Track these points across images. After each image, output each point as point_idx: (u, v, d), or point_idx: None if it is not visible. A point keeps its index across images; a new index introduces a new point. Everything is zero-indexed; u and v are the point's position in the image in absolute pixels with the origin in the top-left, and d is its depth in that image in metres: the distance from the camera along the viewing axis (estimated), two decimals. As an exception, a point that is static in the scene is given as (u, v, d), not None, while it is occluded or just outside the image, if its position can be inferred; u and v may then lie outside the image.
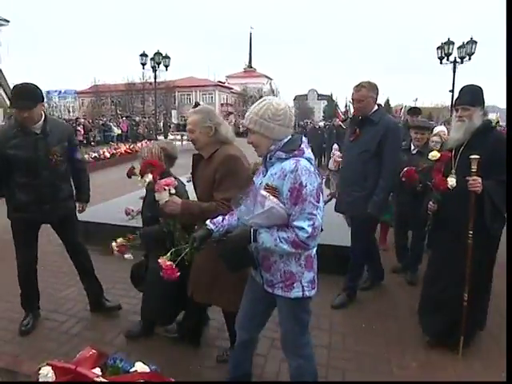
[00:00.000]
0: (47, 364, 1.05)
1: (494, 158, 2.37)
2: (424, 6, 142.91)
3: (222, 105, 48.63)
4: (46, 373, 1.08)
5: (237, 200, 1.72)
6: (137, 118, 28.40)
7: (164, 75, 23.21)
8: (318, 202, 1.61)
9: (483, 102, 2.53)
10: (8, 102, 20.76)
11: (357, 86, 2.99)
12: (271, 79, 57.48)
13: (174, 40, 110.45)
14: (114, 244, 2.45)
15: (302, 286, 1.73)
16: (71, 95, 47.41)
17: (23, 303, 2.83)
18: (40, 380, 1.10)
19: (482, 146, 2.40)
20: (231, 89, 51.62)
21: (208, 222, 1.83)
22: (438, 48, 15.31)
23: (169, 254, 1.80)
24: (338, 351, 2.60)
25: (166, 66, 18.21)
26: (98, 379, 0.94)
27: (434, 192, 2.59)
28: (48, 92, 47.47)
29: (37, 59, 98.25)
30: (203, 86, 47.69)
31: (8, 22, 21.86)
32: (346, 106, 19.78)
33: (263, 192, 1.60)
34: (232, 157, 2.08)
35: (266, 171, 1.73)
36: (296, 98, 68.63)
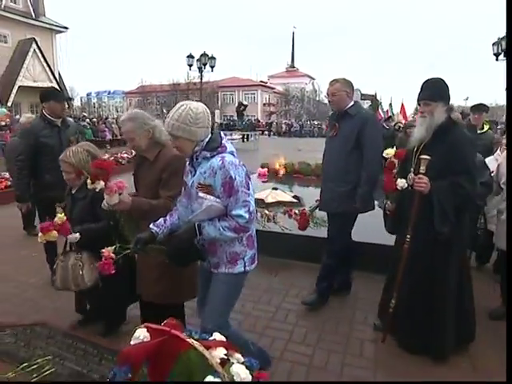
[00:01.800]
0: (144, 326, 1.22)
1: (450, 157, 2.27)
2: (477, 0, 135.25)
3: (264, 105, 48.87)
4: (139, 335, 1.24)
5: (176, 203, 1.99)
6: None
7: (208, 75, 23.79)
8: (249, 189, 1.79)
9: (447, 97, 2.39)
10: (65, 103, 22.32)
11: (331, 81, 3.05)
12: (314, 79, 56.89)
13: (218, 40, 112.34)
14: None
15: (245, 263, 1.93)
16: (119, 95, 49.64)
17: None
18: (132, 341, 1.26)
19: (443, 144, 2.31)
20: (273, 89, 51.68)
21: (151, 225, 1.97)
22: (493, 44, 14.58)
23: (113, 247, 1.96)
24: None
25: (212, 67, 18.64)
26: (189, 340, 1.08)
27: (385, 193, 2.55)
28: (98, 93, 50.11)
29: (89, 62, 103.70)
30: (246, 86, 48.11)
31: (67, 28, 23.35)
32: (390, 104, 19.05)
33: (200, 194, 1.77)
34: (178, 157, 2.18)
35: (195, 171, 1.85)
36: (339, 98, 66.94)
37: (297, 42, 74.20)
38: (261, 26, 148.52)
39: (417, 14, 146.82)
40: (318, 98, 52.01)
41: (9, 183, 7.16)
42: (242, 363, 1.23)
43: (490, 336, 2.72)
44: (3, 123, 15.86)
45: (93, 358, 1.66)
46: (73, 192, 2.60)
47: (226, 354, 1.20)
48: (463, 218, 2.42)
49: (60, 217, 2.31)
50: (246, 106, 24.47)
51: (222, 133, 1.89)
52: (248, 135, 23.13)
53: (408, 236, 2.37)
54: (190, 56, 17.97)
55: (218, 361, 1.12)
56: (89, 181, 2.03)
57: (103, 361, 1.64)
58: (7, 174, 7.53)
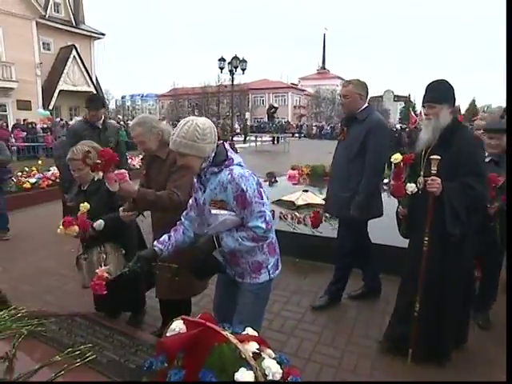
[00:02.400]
0: (181, 318, 1.27)
1: (459, 158, 2.23)
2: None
3: (294, 107, 48.68)
4: (175, 327, 1.30)
5: (182, 217, 1.97)
6: (212, 120, 29.82)
7: (239, 78, 24.07)
8: (262, 199, 1.75)
9: (452, 99, 2.34)
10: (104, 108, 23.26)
11: (344, 82, 2.98)
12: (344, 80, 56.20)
13: (249, 43, 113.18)
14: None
15: (268, 271, 1.90)
16: (152, 98, 50.92)
17: None
18: (168, 333, 1.32)
19: (450, 147, 2.27)
20: (304, 91, 51.43)
21: (155, 242, 1.92)
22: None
23: (107, 267, 2.04)
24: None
25: (243, 70, 18.85)
26: (224, 333, 1.12)
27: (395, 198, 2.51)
28: (132, 96, 51.69)
29: (124, 66, 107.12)
30: (276, 89, 48.13)
31: (104, 35, 24.29)
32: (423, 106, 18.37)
33: (213, 211, 1.74)
34: None
35: (205, 188, 1.80)
36: (371, 100, 65.68)
37: (328, 43, 73.46)
38: (292, 29, 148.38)
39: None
40: (349, 100, 51.17)
41: (51, 182, 7.55)
42: (274, 358, 1.26)
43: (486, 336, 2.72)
44: (45, 125, 16.72)
45: (129, 348, 1.72)
46: (84, 188, 2.65)
47: (258, 349, 1.23)
48: (473, 219, 2.36)
49: (84, 205, 2.38)
50: (276, 109, 24.56)
51: (226, 144, 1.84)
52: (278, 137, 23.19)
53: (426, 238, 2.32)
54: (222, 59, 18.25)
55: (251, 354, 1.16)
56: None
57: (139, 352, 1.70)
58: (49, 174, 7.94)
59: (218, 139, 1.81)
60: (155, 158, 2.46)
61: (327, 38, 71.35)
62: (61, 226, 2.39)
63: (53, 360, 1.49)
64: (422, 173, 2.36)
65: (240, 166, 1.78)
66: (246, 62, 18.73)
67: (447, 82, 2.37)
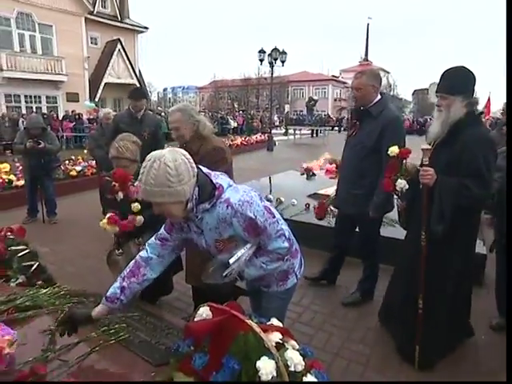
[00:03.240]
0: (207, 305, 1.32)
1: (461, 157, 2.07)
2: None
3: (334, 100, 47.78)
4: (202, 312, 1.34)
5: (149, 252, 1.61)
6: (252, 112, 29.90)
7: (279, 70, 23.90)
8: (274, 216, 1.53)
9: (468, 90, 2.13)
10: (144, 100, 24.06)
11: (357, 74, 2.83)
12: (388, 72, 54.13)
13: (290, 35, 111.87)
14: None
15: (295, 273, 1.78)
16: (193, 90, 51.93)
17: None
18: (196, 318, 1.36)
19: (455, 143, 2.11)
20: (345, 83, 50.14)
21: (104, 300, 1.55)
22: None
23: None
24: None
25: (283, 62, 18.67)
26: (248, 321, 1.14)
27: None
28: (173, 88, 52.96)
29: (166, 59, 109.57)
30: (316, 81, 47.42)
31: (147, 28, 24.91)
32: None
33: (231, 260, 1.47)
34: (216, 148, 2.36)
35: (200, 229, 1.52)
36: (415, 93, 63.34)
37: (371, 33, 70.98)
38: (334, 19, 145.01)
39: None
40: (392, 93, 49.52)
41: (94, 170, 7.92)
42: (297, 350, 1.27)
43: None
44: (91, 117, 17.53)
45: (160, 331, 1.79)
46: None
47: (281, 339, 1.25)
48: (470, 220, 2.25)
49: (135, 206, 2.41)
50: (316, 101, 24.22)
51: (203, 169, 1.50)
52: (317, 130, 22.88)
53: (423, 233, 2.21)
54: (262, 51, 18.16)
55: (274, 344, 1.17)
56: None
57: (169, 335, 1.77)
58: (93, 163, 8.33)
59: (256, 132, 1.72)
60: (188, 151, 2.52)
61: (371, 27, 68.88)
62: (105, 220, 2.40)
63: (90, 336, 1.59)
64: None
65: (231, 187, 1.51)
66: (285, 53, 18.52)
67: (466, 69, 2.16)
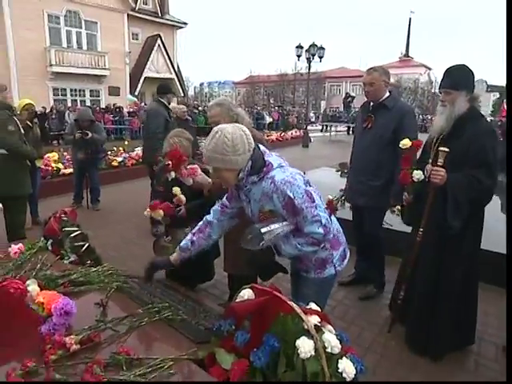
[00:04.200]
0: (250, 287, 1.39)
1: (469, 149, 2.11)
2: None
3: (372, 96, 46.72)
4: (244, 294, 1.41)
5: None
6: (287, 108, 29.81)
7: (316, 66, 23.67)
8: (314, 201, 1.60)
9: (470, 86, 2.25)
10: (181, 92, 24.60)
11: (368, 70, 2.88)
12: (430, 69, 52.20)
13: (328, 30, 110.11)
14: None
15: (334, 265, 1.82)
16: (229, 85, 52.40)
17: None
18: (238, 299, 1.44)
19: (461, 136, 2.12)
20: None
21: (177, 248, 1.87)
22: None
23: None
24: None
25: (320, 57, 18.46)
26: (289, 302, 1.20)
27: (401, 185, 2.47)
28: (210, 83, 53.70)
29: (203, 54, 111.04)
30: (354, 77, 46.39)
31: (186, 24, 25.36)
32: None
33: (263, 229, 1.57)
34: (257, 139, 2.31)
35: (248, 198, 1.70)
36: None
37: (413, 28, 68.50)
38: (373, 13, 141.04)
39: None
40: (433, 90, 47.73)
41: (134, 161, 8.24)
42: (334, 334, 1.31)
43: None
44: (131, 110, 18.15)
45: (199, 313, 1.88)
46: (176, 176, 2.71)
47: (319, 322, 1.29)
48: (478, 213, 2.27)
49: (176, 189, 2.51)
50: (353, 98, 23.77)
51: (261, 147, 1.68)
52: (353, 127, 22.50)
53: (421, 229, 2.30)
54: (299, 46, 18.05)
55: (313, 326, 1.23)
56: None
57: (207, 317, 1.85)
58: (133, 154, 8.66)
59: (292, 128, 1.83)
60: None
61: (413, 22, 66.53)
62: (148, 209, 2.50)
63: (136, 312, 1.70)
64: (430, 161, 2.33)
65: (281, 167, 1.65)
66: (323, 49, 18.30)
67: (467, 67, 2.29)
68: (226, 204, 1.88)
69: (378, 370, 2.35)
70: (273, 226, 1.58)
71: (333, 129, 21.53)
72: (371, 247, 3.23)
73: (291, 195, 1.55)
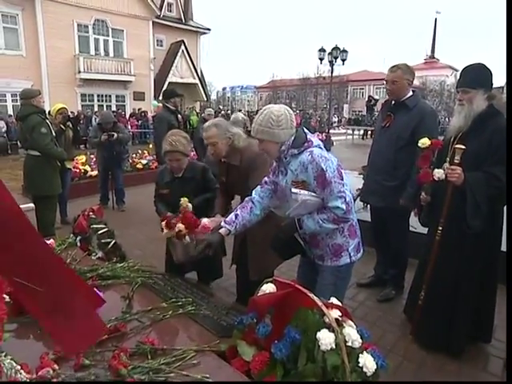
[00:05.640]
0: (272, 280, 1.41)
1: (489, 147, 2.07)
2: None
3: (396, 99, 45.95)
4: (265, 288, 1.44)
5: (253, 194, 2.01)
6: (309, 112, 29.77)
7: (339, 69, 23.52)
8: (343, 180, 1.79)
9: (488, 84, 2.23)
10: (204, 97, 24.97)
11: (392, 67, 2.83)
12: (456, 70, 50.84)
13: (351, 33, 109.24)
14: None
15: (349, 253, 1.92)
16: (251, 90, 52.67)
17: None
18: (259, 293, 1.46)
19: (481, 134, 2.07)
20: (408, 82, 48.12)
21: (223, 223, 1.98)
22: None
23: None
24: None
25: (343, 60, 18.34)
26: (310, 295, 1.22)
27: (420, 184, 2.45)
28: (232, 87, 54.14)
29: (225, 59, 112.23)
30: (377, 80, 45.74)
31: (209, 30, 25.73)
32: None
33: (294, 190, 1.79)
34: (258, 154, 2.28)
35: (286, 170, 1.87)
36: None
37: (439, 29, 66.97)
38: (397, 14, 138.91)
39: None
40: (460, 92, 46.44)
41: (158, 164, 8.41)
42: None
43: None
44: (155, 114, 18.56)
45: (221, 310, 1.91)
46: (180, 175, 2.78)
47: (340, 316, 1.30)
48: (497, 211, 2.23)
49: (184, 200, 2.43)
50: (376, 101, 23.41)
51: (305, 129, 1.90)
52: (371, 131, 22.15)
53: (440, 228, 2.26)
54: (322, 49, 17.99)
55: (334, 319, 1.24)
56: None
57: (228, 314, 1.89)
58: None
59: (314, 131, 1.89)
60: (231, 167, 2.53)
61: (439, 22, 65.07)
62: (165, 230, 2.32)
63: (160, 306, 1.76)
64: (447, 159, 2.31)
65: (320, 148, 1.84)
66: (346, 52, 18.17)
67: (484, 65, 2.27)
68: (266, 180, 2.06)
69: (400, 372, 2.32)
70: (302, 192, 1.77)
71: (355, 132, 21.29)
72: (396, 256, 3.17)
73: (324, 168, 1.73)
